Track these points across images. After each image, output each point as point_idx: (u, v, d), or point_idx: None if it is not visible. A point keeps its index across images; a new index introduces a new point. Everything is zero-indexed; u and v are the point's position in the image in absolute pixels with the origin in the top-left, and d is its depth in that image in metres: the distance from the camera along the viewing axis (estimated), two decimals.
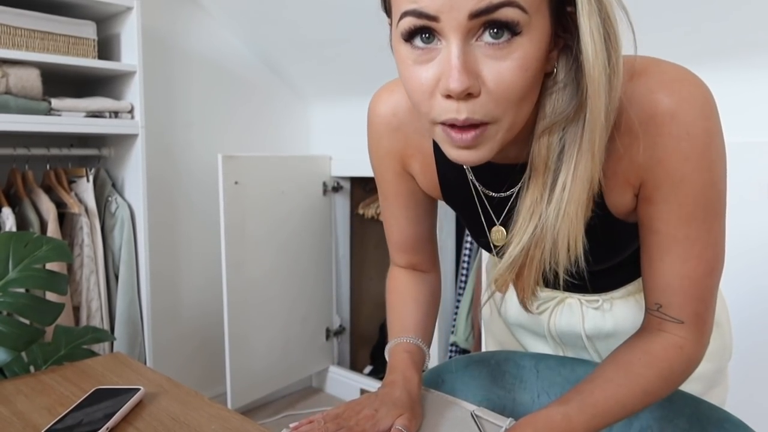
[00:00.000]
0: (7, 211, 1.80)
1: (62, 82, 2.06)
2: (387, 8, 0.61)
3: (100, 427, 0.78)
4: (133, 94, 1.98)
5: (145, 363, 2.03)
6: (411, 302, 0.86)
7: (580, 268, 0.61)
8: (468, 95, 0.51)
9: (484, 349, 1.92)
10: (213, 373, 2.53)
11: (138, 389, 0.89)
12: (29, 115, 1.76)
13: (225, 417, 0.85)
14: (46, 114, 1.80)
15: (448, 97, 0.52)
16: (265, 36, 2.50)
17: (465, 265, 2.29)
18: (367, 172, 2.60)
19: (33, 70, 1.77)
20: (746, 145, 1.56)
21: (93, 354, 1.25)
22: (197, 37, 2.46)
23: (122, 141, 2.06)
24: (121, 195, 2.06)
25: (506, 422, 0.68)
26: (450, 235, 2.37)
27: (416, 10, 0.50)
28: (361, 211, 2.75)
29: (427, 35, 0.52)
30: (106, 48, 2.05)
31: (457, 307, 2.32)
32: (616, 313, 0.81)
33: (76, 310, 1.95)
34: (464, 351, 2.31)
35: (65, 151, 2.00)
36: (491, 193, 0.69)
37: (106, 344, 1.96)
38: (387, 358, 0.80)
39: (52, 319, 1.18)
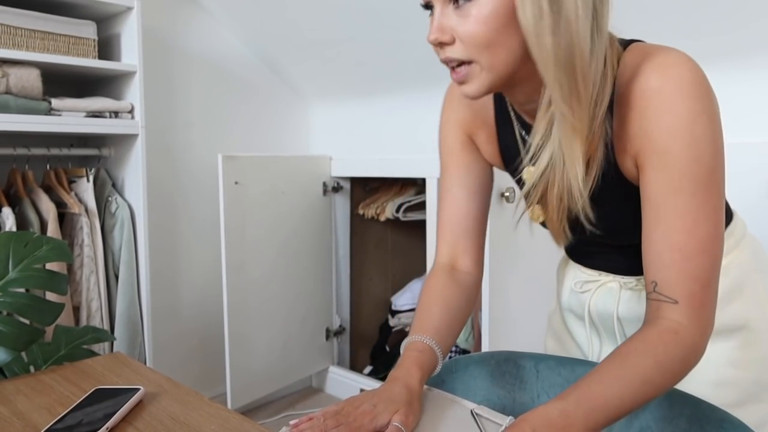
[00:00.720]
0: (7, 211, 1.80)
1: (62, 82, 2.06)
2: None
3: (100, 427, 0.78)
4: (134, 94, 1.98)
5: (145, 363, 2.03)
6: (440, 305, 0.86)
7: (597, 200, 0.71)
8: (442, 44, 0.70)
9: (487, 341, 1.93)
10: (213, 373, 2.53)
11: (138, 389, 0.89)
12: (29, 115, 1.76)
13: (225, 417, 0.85)
14: (46, 114, 1.80)
15: (432, 44, 0.72)
16: (266, 36, 2.50)
17: None
18: (367, 172, 2.61)
19: (33, 70, 1.77)
20: (747, 146, 1.56)
21: (93, 354, 1.25)
22: (197, 37, 2.46)
23: (122, 141, 2.06)
24: (121, 195, 2.06)
25: (506, 420, 0.68)
26: None
27: None
28: (361, 211, 2.76)
29: (429, 6, 0.73)
30: (107, 48, 2.05)
31: None
32: None
33: (76, 310, 1.95)
34: (464, 351, 2.31)
35: (65, 151, 2.00)
36: (526, 138, 0.80)
37: (106, 344, 1.96)
38: (407, 349, 0.80)
39: (52, 319, 1.18)
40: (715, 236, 0.67)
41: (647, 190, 0.69)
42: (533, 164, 0.74)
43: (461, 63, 0.70)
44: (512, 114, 0.82)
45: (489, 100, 0.85)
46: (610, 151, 0.71)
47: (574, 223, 0.75)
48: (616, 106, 0.70)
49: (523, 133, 0.81)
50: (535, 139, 0.72)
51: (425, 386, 0.78)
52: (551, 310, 1.09)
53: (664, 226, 0.68)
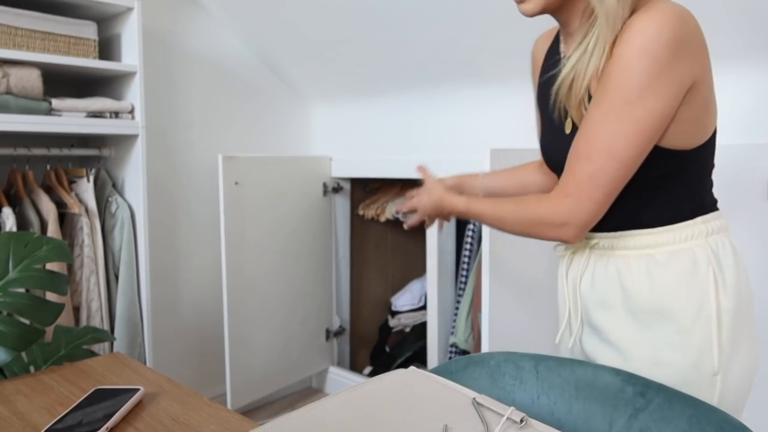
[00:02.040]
0: (7, 211, 1.80)
1: (63, 83, 2.06)
2: None
3: (100, 427, 0.78)
4: (134, 94, 1.99)
5: (145, 363, 2.03)
6: (512, 170, 1.23)
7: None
8: None
9: (487, 342, 1.93)
10: (213, 373, 2.54)
11: (138, 389, 0.89)
12: (30, 115, 1.76)
13: (224, 417, 0.85)
14: (46, 114, 1.80)
15: None
16: (266, 36, 2.50)
17: (465, 266, 2.30)
18: (366, 172, 2.61)
19: (33, 70, 1.77)
20: (748, 147, 1.56)
21: (93, 354, 1.25)
22: (198, 38, 2.47)
23: (122, 141, 2.06)
24: (122, 195, 2.06)
25: (508, 411, 0.68)
26: (450, 237, 2.37)
27: None
28: (361, 212, 2.76)
29: None
30: (107, 48, 2.05)
31: (457, 309, 2.32)
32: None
33: (76, 310, 1.95)
34: (464, 352, 2.31)
35: (65, 152, 2.00)
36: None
37: (106, 344, 1.96)
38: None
39: (52, 319, 1.18)
40: (604, 152, 0.82)
41: (588, 111, 0.86)
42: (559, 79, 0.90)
43: None
44: (561, 44, 0.98)
45: (547, 47, 1.04)
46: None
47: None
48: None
49: (564, 56, 0.95)
50: (570, 48, 0.89)
51: (425, 373, 0.80)
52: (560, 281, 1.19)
53: (580, 130, 0.86)
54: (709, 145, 0.89)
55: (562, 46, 0.98)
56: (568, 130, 0.93)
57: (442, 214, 1.13)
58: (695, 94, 0.83)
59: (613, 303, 0.92)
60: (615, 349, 0.92)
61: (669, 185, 0.87)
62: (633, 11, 0.80)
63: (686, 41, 0.79)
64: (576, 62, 0.86)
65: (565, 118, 0.93)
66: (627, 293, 0.90)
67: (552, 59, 0.99)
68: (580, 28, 0.88)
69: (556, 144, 0.96)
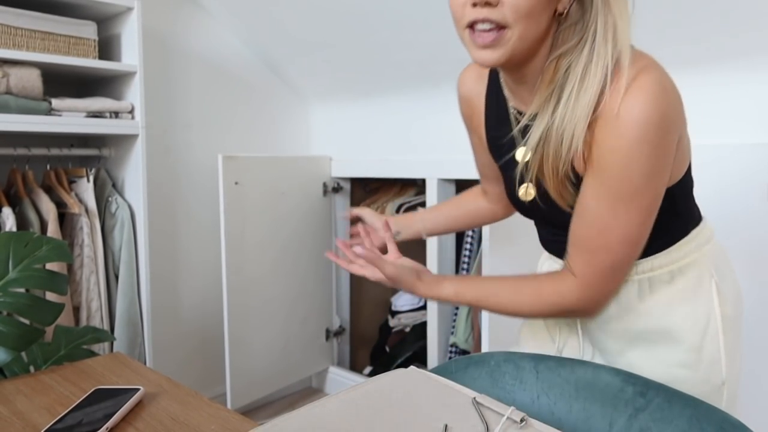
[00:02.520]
0: (7, 211, 1.80)
1: (63, 82, 2.06)
2: None
3: (100, 427, 0.78)
4: (134, 94, 1.99)
5: (145, 363, 2.03)
6: (454, 200, 1.21)
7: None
8: (487, 3, 0.73)
9: (487, 342, 1.93)
10: (213, 373, 2.53)
11: (138, 389, 0.89)
12: (30, 115, 1.76)
13: (224, 417, 0.85)
14: (46, 114, 1.80)
15: (474, 5, 0.74)
16: (265, 36, 2.50)
17: (465, 266, 2.30)
18: (367, 172, 2.61)
19: (33, 70, 1.77)
20: (747, 147, 1.56)
21: (93, 354, 1.25)
22: (197, 38, 2.46)
23: (122, 141, 2.06)
24: (122, 195, 2.06)
25: (508, 410, 0.68)
26: (450, 237, 2.37)
27: None
28: None
29: None
30: (107, 48, 2.05)
31: (457, 309, 2.32)
32: None
33: (76, 310, 1.95)
34: (464, 352, 2.31)
35: (65, 151, 2.00)
36: (519, 115, 0.88)
37: (106, 344, 1.96)
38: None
39: (52, 319, 1.18)
40: (623, 242, 0.80)
41: (583, 189, 0.81)
42: (524, 144, 0.83)
43: (495, 27, 0.75)
44: (505, 93, 0.90)
45: (482, 89, 0.96)
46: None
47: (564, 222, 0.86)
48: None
49: (514, 107, 0.89)
50: (532, 107, 0.81)
51: (425, 373, 0.80)
52: None
53: (582, 220, 0.82)
54: (689, 169, 0.89)
55: (510, 100, 0.90)
56: (527, 199, 0.90)
57: (414, 293, 0.98)
58: (680, 144, 0.82)
59: (618, 327, 0.91)
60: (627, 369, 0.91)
61: (660, 218, 0.84)
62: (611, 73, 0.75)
63: (672, 113, 0.76)
64: (550, 134, 0.78)
65: (527, 182, 0.87)
66: (632, 315, 0.89)
67: (498, 111, 0.92)
68: (541, 87, 0.80)
69: (520, 202, 0.92)
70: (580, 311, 0.86)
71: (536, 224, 1.01)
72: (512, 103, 0.89)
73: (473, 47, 0.78)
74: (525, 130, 0.85)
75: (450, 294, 0.93)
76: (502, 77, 0.90)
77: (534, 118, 0.80)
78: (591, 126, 0.77)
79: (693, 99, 1.66)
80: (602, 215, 0.79)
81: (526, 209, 0.93)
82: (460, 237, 2.36)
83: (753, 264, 1.56)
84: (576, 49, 0.76)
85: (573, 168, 0.80)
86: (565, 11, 0.77)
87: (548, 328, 1.05)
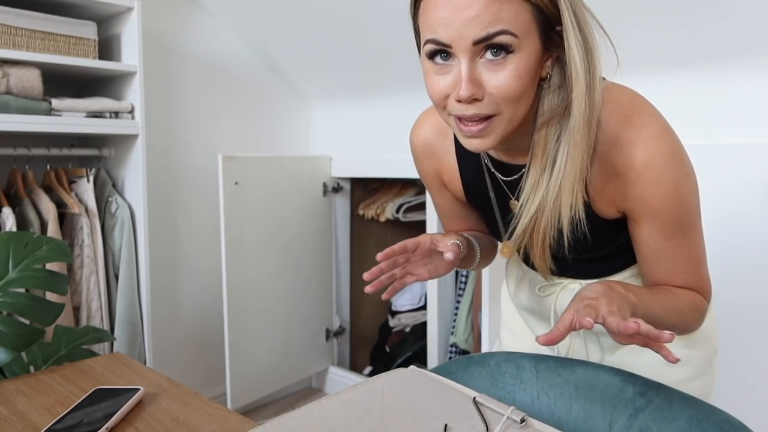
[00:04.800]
0: (7, 211, 1.80)
1: (63, 82, 2.06)
2: (417, 31, 0.75)
3: (100, 427, 0.78)
4: (134, 94, 1.99)
5: (145, 363, 2.03)
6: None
7: (580, 236, 0.77)
8: (474, 99, 0.68)
9: (487, 342, 1.93)
10: (213, 373, 2.53)
11: (138, 389, 0.89)
12: (30, 115, 1.76)
13: (224, 417, 0.85)
14: (46, 114, 1.80)
15: (459, 101, 0.69)
16: (266, 36, 2.50)
17: (464, 270, 2.29)
18: (367, 172, 2.61)
19: (33, 70, 1.77)
20: (747, 147, 1.56)
21: (93, 354, 1.25)
22: (197, 38, 2.46)
23: (122, 141, 2.06)
24: (122, 195, 2.06)
25: (508, 410, 0.68)
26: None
27: (435, 39, 0.68)
28: (361, 212, 2.76)
29: (444, 55, 0.69)
30: (107, 48, 2.05)
31: (457, 309, 2.32)
32: None
33: (76, 310, 1.95)
34: (464, 352, 2.31)
35: (65, 152, 2.00)
36: (503, 178, 0.85)
37: (106, 344, 1.96)
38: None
39: (52, 319, 1.18)
40: (703, 250, 0.84)
41: (644, 238, 0.80)
42: (520, 207, 0.79)
43: (484, 117, 0.70)
44: (486, 160, 0.87)
45: (449, 145, 0.92)
46: (586, 195, 0.78)
47: (555, 255, 0.83)
48: (596, 161, 0.76)
49: (495, 172, 0.86)
50: (528, 182, 0.77)
51: (425, 372, 0.80)
52: (504, 304, 1.14)
53: (666, 262, 0.81)
54: None
55: (495, 154, 0.86)
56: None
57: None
58: None
59: None
60: (627, 357, 0.92)
61: None
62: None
63: (674, 132, 0.78)
64: (539, 208, 0.76)
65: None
66: None
67: (474, 168, 0.88)
68: (534, 160, 0.76)
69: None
70: (707, 307, 0.87)
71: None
72: (494, 155, 0.86)
73: (461, 135, 0.74)
74: (512, 183, 0.85)
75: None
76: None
77: (533, 184, 0.77)
78: (607, 188, 0.78)
79: (693, 99, 1.66)
80: (682, 247, 0.81)
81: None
82: None
83: (753, 264, 1.56)
84: (564, 116, 0.73)
85: (595, 214, 0.80)
86: (548, 75, 0.74)
87: (531, 326, 1.05)
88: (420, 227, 2.47)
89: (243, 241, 2.28)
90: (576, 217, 0.75)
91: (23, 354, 1.19)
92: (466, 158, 0.90)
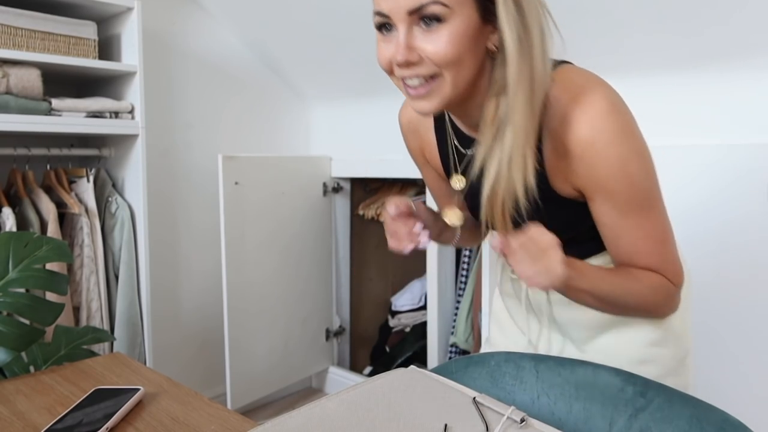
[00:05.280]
0: (7, 211, 1.80)
1: (62, 83, 2.06)
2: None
3: (100, 427, 0.78)
4: (134, 94, 1.98)
5: (145, 363, 2.03)
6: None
7: (537, 211, 0.78)
8: (411, 63, 0.75)
9: (485, 335, 1.92)
10: (213, 373, 2.53)
11: (138, 389, 0.89)
12: (29, 115, 1.76)
13: (224, 417, 0.85)
14: (46, 114, 1.80)
15: (399, 65, 0.76)
16: (265, 36, 2.50)
17: (465, 266, 2.30)
18: (367, 172, 2.61)
19: (33, 70, 1.77)
20: (748, 147, 1.56)
21: (93, 354, 1.25)
22: (197, 38, 2.46)
23: (122, 141, 2.06)
24: (122, 195, 2.06)
25: (508, 410, 0.68)
26: None
27: (378, 11, 0.76)
28: (361, 212, 2.76)
29: (388, 26, 0.76)
30: (107, 48, 2.05)
31: (457, 308, 2.32)
32: None
33: (76, 310, 1.95)
34: (464, 352, 2.31)
35: (65, 152, 2.00)
36: (464, 151, 0.90)
37: (106, 344, 1.96)
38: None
39: (52, 319, 1.18)
40: (667, 230, 0.84)
41: (600, 216, 0.83)
42: (478, 177, 0.82)
43: (425, 79, 0.76)
44: (450, 129, 0.91)
45: (430, 123, 0.97)
46: (542, 170, 0.80)
47: (516, 224, 0.82)
48: (548, 137, 0.79)
49: (457, 143, 0.92)
50: (480, 151, 0.80)
51: (425, 372, 0.81)
52: (495, 295, 1.16)
53: (625, 240, 0.83)
54: None
55: (450, 128, 0.91)
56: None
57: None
58: None
59: (593, 316, 0.91)
60: (599, 354, 0.92)
61: None
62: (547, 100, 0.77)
63: (628, 112, 0.78)
64: (496, 176, 0.78)
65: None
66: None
67: (445, 144, 0.93)
68: (483, 129, 0.79)
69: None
70: (676, 291, 0.86)
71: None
72: (458, 123, 0.90)
73: (409, 98, 0.79)
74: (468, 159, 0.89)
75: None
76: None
77: (485, 153, 0.80)
78: (560, 165, 0.80)
79: (693, 99, 1.66)
80: (640, 225, 0.81)
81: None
82: None
83: (753, 264, 1.56)
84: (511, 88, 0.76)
85: (553, 191, 0.83)
86: (496, 47, 0.76)
87: (518, 323, 1.05)
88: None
89: (243, 241, 2.27)
90: (530, 192, 0.77)
91: (23, 354, 1.19)
92: (442, 132, 0.94)
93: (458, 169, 0.91)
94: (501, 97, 0.77)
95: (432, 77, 0.76)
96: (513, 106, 0.75)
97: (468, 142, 0.89)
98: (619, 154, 0.76)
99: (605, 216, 0.82)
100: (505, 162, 0.76)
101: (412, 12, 0.73)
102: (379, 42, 0.79)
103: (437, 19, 0.72)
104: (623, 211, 0.80)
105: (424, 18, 0.73)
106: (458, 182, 0.91)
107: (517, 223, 0.81)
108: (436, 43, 0.73)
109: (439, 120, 0.95)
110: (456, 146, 0.91)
